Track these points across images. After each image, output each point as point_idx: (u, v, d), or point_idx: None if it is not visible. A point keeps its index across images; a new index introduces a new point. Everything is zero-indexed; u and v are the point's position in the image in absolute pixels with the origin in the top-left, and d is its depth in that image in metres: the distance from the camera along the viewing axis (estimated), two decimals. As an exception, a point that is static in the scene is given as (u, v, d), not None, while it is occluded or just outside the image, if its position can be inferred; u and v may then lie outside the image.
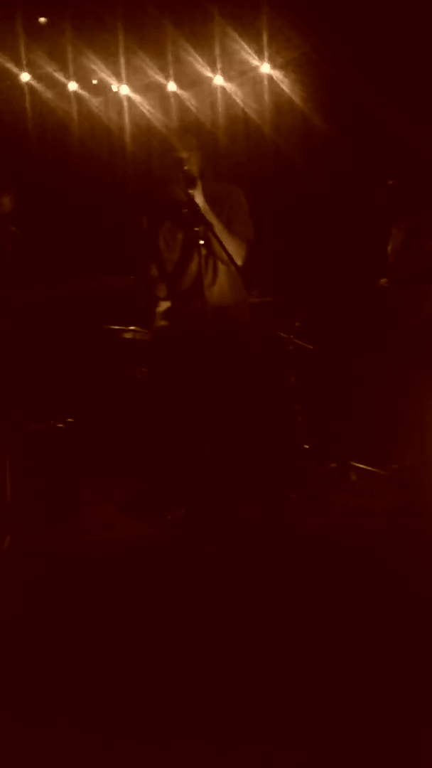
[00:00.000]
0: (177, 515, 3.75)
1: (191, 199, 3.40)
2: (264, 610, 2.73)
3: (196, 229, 3.35)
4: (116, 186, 5.45)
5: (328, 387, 4.62)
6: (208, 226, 3.39)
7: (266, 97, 5.22)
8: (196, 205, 3.39)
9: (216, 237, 3.38)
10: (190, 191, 3.39)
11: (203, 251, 3.44)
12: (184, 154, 3.47)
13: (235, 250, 3.43)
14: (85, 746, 1.95)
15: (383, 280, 4.01)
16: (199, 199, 3.40)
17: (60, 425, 4.11)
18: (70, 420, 4.15)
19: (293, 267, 5.12)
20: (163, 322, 3.68)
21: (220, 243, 3.39)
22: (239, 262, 3.49)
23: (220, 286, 3.54)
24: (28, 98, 5.25)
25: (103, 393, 4.86)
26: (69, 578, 3.22)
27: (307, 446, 4.34)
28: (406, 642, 2.37)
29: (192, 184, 3.40)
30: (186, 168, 3.44)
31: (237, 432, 3.50)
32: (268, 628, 2.57)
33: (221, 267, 3.54)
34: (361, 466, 4.32)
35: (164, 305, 3.68)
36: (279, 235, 5.23)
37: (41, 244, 4.65)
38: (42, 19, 4.93)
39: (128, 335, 4.47)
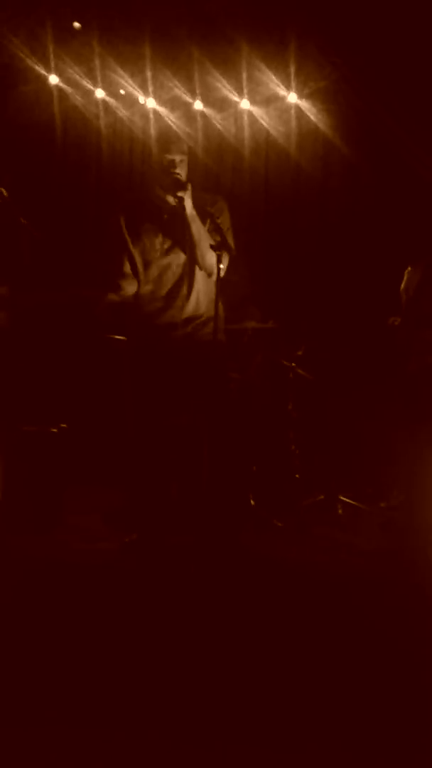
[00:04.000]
0: (131, 539, 3.66)
1: (180, 201, 3.39)
2: (228, 637, 2.71)
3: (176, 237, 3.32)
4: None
5: (324, 418, 4.62)
6: (191, 233, 3.39)
7: (291, 123, 5.25)
8: (183, 208, 3.38)
9: (197, 245, 3.38)
10: (180, 194, 3.39)
11: (182, 260, 3.46)
12: (177, 158, 3.46)
13: (215, 261, 3.35)
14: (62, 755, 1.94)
15: (392, 319, 4.02)
16: (188, 203, 3.39)
17: (53, 430, 4.11)
18: (63, 425, 4.15)
19: (302, 294, 5.14)
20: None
21: (200, 252, 3.38)
22: (220, 274, 3.48)
23: (196, 297, 3.52)
24: (56, 102, 5.28)
25: (98, 402, 4.86)
26: (50, 585, 3.22)
27: (297, 475, 4.34)
28: (377, 677, 2.37)
29: (182, 187, 3.39)
30: (176, 171, 3.44)
31: (217, 452, 3.47)
32: (242, 654, 2.56)
33: (198, 277, 3.51)
34: (349, 501, 4.32)
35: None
36: (292, 260, 5.26)
37: (59, 248, 4.68)
38: (76, 24, 4.98)
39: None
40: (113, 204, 3.75)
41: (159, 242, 3.51)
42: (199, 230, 3.43)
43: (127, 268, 3.55)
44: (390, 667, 2.49)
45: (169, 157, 3.45)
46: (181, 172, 3.46)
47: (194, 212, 3.41)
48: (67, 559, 3.59)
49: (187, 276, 3.49)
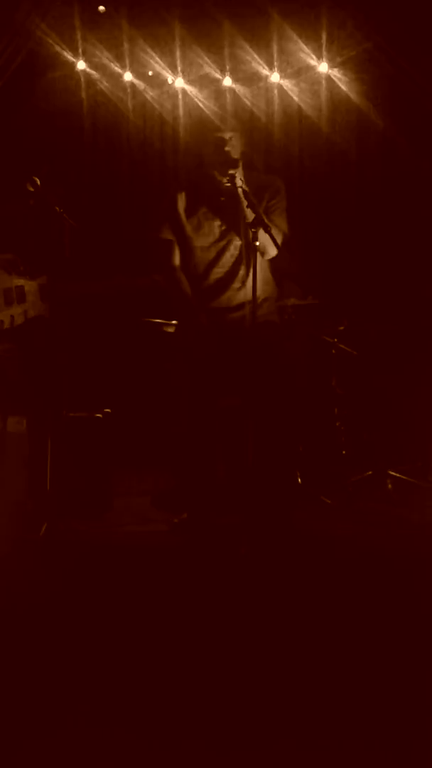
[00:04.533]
0: (182, 519, 3.70)
1: (232, 179, 3.34)
2: (284, 616, 2.72)
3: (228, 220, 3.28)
4: (169, 180, 5.43)
5: (369, 393, 4.58)
6: (244, 212, 3.31)
7: (323, 95, 5.16)
8: (235, 186, 3.33)
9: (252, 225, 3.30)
10: (231, 171, 3.34)
11: (240, 241, 3.42)
12: (226, 135, 3.42)
13: (270, 242, 3.32)
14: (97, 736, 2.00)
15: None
16: (239, 180, 3.34)
17: (98, 415, 4.14)
18: (107, 410, 4.18)
19: (341, 269, 5.08)
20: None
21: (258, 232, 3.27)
22: (273, 254, 3.43)
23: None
24: (83, 87, 5.26)
25: (142, 386, 4.89)
26: (100, 568, 3.27)
27: (344, 452, 4.31)
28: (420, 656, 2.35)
29: (233, 164, 3.35)
30: (227, 149, 3.40)
31: (265, 432, 3.45)
32: (285, 633, 2.56)
33: (256, 259, 3.44)
34: (398, 475, 4.28)
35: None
36: (329, 235, 5.19)
37: (95, 237, 4.67)
38: (101, 8, 4.95)
39: (170, 329, 4.48)
40: (171, 185, 3.70)
41: (217, 225, 3.47)
42: (252, 209, 3.35)
43: (176, 259, 3.54)
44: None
45: (219, 134, 3.42)
46: (232, 149, 3.41)
47: (247, 190, 3.36)
48: (119, 541, 3.63)
49: (245, 258, 3.45)
